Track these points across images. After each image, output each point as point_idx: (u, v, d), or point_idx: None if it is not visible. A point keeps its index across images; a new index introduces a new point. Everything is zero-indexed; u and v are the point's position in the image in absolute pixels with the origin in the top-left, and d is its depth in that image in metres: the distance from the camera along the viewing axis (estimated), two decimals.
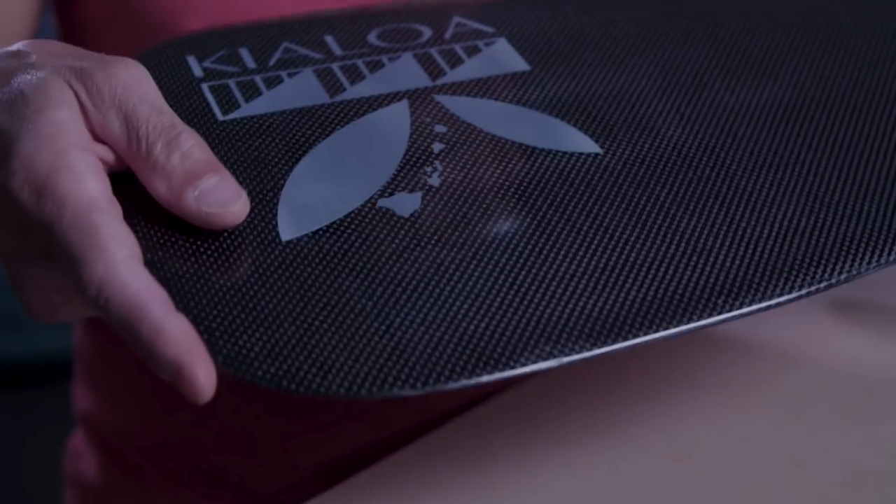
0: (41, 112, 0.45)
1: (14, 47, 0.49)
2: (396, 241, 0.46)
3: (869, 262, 0.47)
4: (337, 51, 0.55)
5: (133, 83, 0.46)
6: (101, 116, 0.46)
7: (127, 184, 0.46)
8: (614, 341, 0.43)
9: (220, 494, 0.73)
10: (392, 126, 0.51)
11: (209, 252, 0.45)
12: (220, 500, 0.73)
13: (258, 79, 0.53)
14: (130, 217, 0.45)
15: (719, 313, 0.45)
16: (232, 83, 0.53)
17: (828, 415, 0.53)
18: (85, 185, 0.43)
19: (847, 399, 0.54)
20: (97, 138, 0.46)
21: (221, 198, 0.45)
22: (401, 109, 0.52)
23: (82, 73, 0.46)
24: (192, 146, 0.45)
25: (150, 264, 0.44)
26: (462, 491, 0.51)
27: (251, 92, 0.53)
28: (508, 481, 0.51)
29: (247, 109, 0.52)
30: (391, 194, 0.48)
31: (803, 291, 0.46)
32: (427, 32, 0.57)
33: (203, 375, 0.41)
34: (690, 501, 0.49)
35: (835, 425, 0.53)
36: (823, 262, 0.47)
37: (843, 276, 0.47)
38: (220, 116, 0.51)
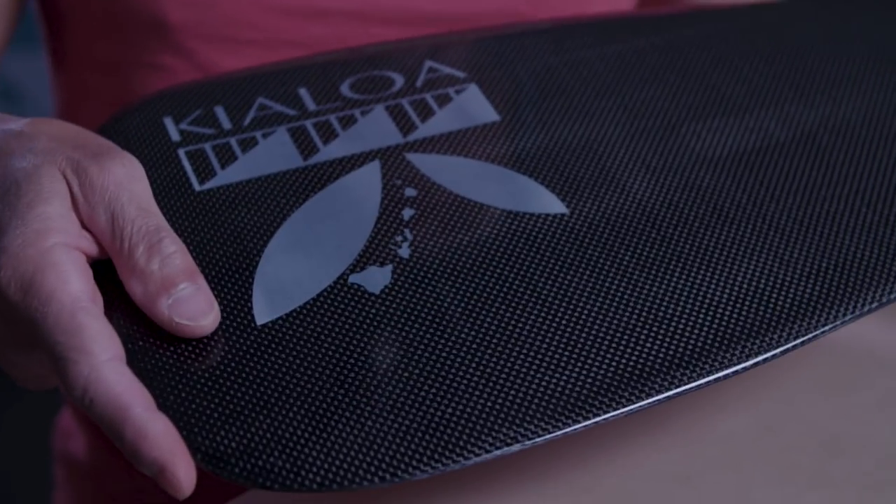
0: (32, 207, 0.46)
1: (18, 126, 0.51)
2: (367, 321, 0.48)
3: (825, 324, 0.49)
4: (310, 105, 0.57)
5: (125, 181, 0.48)
6: (91, 210, 0.47)
7: (110, 271, 0.48)
8: (575, 422, 0.45)
9: (209, 474, 0.75)
10: (363, 191, 0.53)
11: (188, 340, 0.47)
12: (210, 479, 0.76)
13: (233, 141, 0.55)
14: (112, 306, 0.47)
15: (678, 386, 0.47)
16: (208, 147, 0.54)
17: (803, 383, 0.55)
18: (69, 284, 0.45)
19: (822, 368, 0.56)
20: (85, 227, 0.48)
21: (193, 310, 0.46)
22: (372, 171, 0.54)
23: (78, 165, 0.48)
24: (172, 252, 0.47)
25: (132, 354, 0.46)
26: None
27: (227, 157, 0.54)
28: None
29: (223, 177, 0.53)
30: (362, 269, 0.50)
31: (759, 358, 0.48)
32: (399, 81, 0.58)
33: (183, 475, 0.43)
34: (664, 469, 0.51)
35: (809, 394, 0.54)
36: (780, 326, 0.48)
37: (799, 341, 0.48)
38: (196, 186, 0.53)
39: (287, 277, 0.49)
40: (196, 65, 0.69)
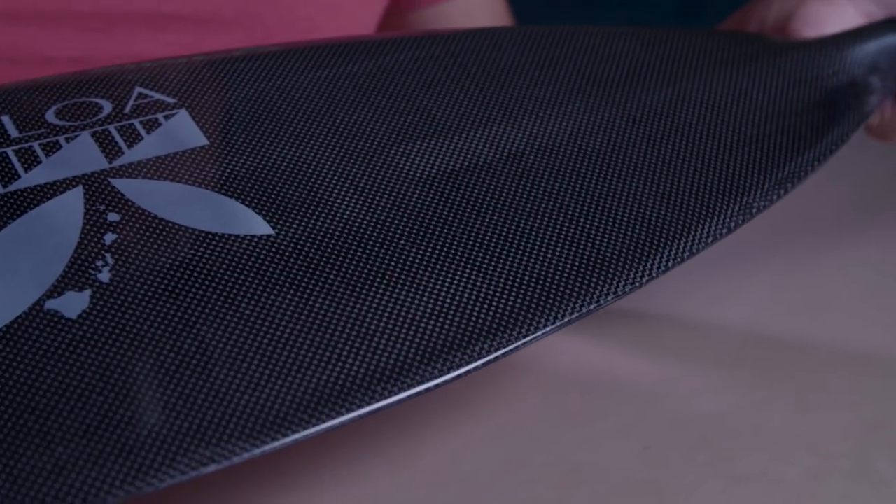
0: None
1: None
2: (63, 347, 0.47)
3: (525, 335, 0.50)
4: (13, 133, 0.55)
5: None
6: None
7: None
8: (274, 439, 0.45)
9: None
10: (65, 217, 0.52)
11: None
12: None
13: None
14: None
15: (378, 401, 0.47)
16: None
17: (549, 416, 0.56)
18: None
19: (569, 399, 0.57)
20: None
21: None
22: (75, 198, 0.53)
23: None
24: None
25: None
26: None
27: None
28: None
29: None
30: (60, 294, 0.49)
31: (461, 371, 0.48)
32: (107, 107, 0.57)
33: None
34: None
35: (554, 425, 0.55)
36: (482, 339, 0.49)
37: (500, 352, 0.49)
38: None
39: None
40: None
